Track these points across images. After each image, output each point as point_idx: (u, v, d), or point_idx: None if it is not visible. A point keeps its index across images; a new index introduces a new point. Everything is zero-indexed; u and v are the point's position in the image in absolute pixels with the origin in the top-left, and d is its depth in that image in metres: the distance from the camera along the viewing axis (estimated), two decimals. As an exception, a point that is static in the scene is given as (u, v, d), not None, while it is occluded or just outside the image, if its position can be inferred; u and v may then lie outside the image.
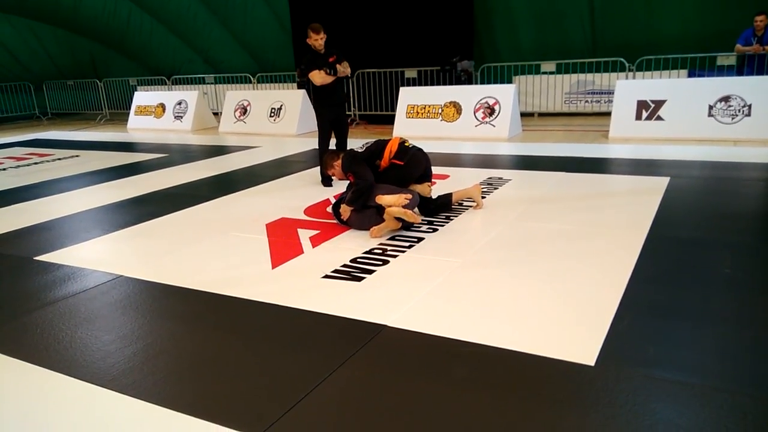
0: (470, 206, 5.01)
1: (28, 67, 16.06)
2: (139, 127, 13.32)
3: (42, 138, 12.26)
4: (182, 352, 2.79)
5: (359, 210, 4.47)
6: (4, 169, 8.52)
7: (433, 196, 4.86)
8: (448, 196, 4.86)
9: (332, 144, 6.41)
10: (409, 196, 4.35)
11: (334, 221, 4.73)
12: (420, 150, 4.81)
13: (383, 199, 4.31)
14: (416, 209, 4.47)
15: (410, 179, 4.70)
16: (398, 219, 4.29)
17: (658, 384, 2.30)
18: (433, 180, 5.01)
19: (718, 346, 2.58)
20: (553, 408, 2.19)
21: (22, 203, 6.17)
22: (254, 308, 3.23)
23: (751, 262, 3.53)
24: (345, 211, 4.52)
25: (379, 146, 4.75)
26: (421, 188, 4.72)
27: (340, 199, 4.74)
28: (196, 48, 15.74)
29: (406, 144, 4.77)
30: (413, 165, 4.71)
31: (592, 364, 2.46)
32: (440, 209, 4.82)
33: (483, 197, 5.17)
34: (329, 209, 5.03)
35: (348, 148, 6.27)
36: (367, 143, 4.82)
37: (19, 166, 8.78)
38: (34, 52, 15.94)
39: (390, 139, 4.81)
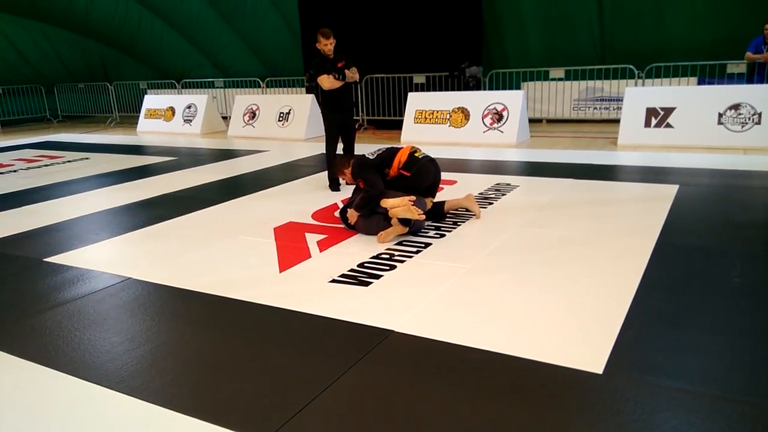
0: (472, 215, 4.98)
1: (39, 70, 16.20)
2: (148, 130, 13.40)
3: (52, 140, 12.36)
4: (190, 355, 2.80)
5: (367, 215, 4.47)
6: (15, 171, 8.59)
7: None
8: (440, 204, 4.84)
9: (339, 149, 6.42)
10: (413, 198, 4.36)
11: (342, 226, 4.74)
12: (431, 161, 4.75)
13: (387, 202, 4.34)
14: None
15: (417, 190, 4.62)
16: (404, 223, 4.29)
17: (667, 393, 2.29)
18: (440, 186, 5.00)
19: (727, 355, 2.56)
20: (560, 416, 2.18)
21: (33, 205, 6.22)
22: (261, 312, 3.24)
23: (761, 272, 3.50)
24: (352, 216, 4.52)
25: (389, 154, 4.71)
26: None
27: (348, 204, 4.74)
28: (206, 52, 15.84)
29: (416, 154, 4.71)
30: (420, 176, 4.66)
31: (600, 372, 2.45)
32: (432, 218, 4.78)
33: (490, 203, 5.15)
34: (337, 213, 5.03)
35: (356, 153, 6.28)
36: (379, 149, 4.79)
37: (29, 168, 8.85)
38: (46, 55, 16.08)
39: (401, 148, 4.77)
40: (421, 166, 4.67)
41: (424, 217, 4.38)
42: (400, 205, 4.27)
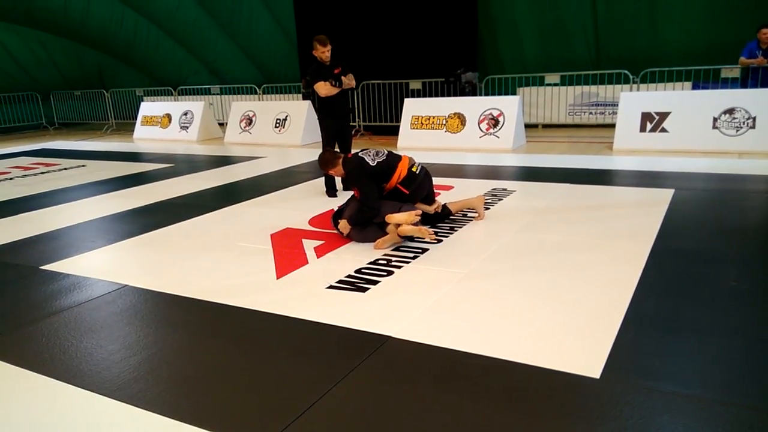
0: (474, 217, 5.01)
1: (35, 78, 16.20)
2: (145, 137, 13.40)
3: (49, 148, 12.35)
4: (186, 362, 2.79)
5: (361, 228, 4.45)
6: (11, 179, 8.57)
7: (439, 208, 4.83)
8: (446, 207, 4.86)
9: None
10: (419, 212, 4.34)
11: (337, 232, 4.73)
12: (426, 176, 4.71)
13: (394, 218, 4.25)
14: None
15: (412, 203, 4.63)
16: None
17: (664, 397, 2.29)
18: (435, 192, 5.00)
19: (723, 359, 2.57)
20: (558, 421, 2.18)
21: (29, 212, 6.20)
22: (258, 318, 3.23)
23: (757, 275, 3.51)
24: (345, 227, 4.48)
25: (390, 166, 4.57)
26: (424, 208, 4.68)
27: (340, 211, 4.70)
28: (202, 59, 15.86)
29: (413, 169, 4.64)
30: (417, 193, 4.64)
31: (597, 376, 2.45)
32: (442, 219, 4.82)
33: (487, 208, 5.17)
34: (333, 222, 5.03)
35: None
36: (378, 153, 4.66)
37: (26, 175, 8.83)
38: (42, 62, 16.08)
39: (400, 160, 4.65)
40: (419, 184, 4.63)
41: (435, 237, 4.30)
42: (407, 222, 4.21)
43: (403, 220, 4.23)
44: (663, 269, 3.65)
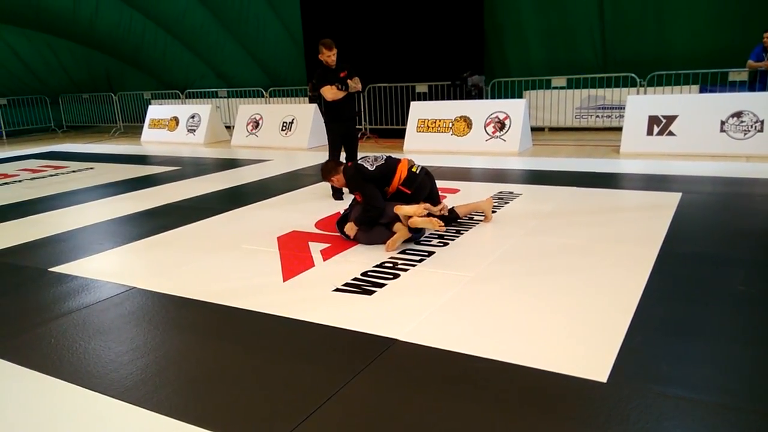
0: (480, 220, 5.01)
1: (44, 81, 16.31)
2: (152, 140, 13.47)
3: (57, 150, 12.42)
4: (193, 365, 2.80)
5: (367, 229, 4.46)
6: (20, 181, 8.64)
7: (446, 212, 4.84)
8: (452, 209, 4.87)
9: (342, 158, 6.43)
10: (428, 205, 4.37)
11: (344, 235, 4.74)
12: (426, 176, 4.74)
13: (403, 209, 4.28)
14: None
15: (415, 203, 4.65)
16: (410, 229, 4.28)
17: (671, 401, 2.28)
18: (442, 194, 5.00)
19: (731, 364, 2.55)
20: (565, 425, 2.18)
21: (38, 215, 6.24)
22: (265, 321, 3.25)
23: (765, 279, 3.49)
24: (351, 229, 4.50)
25: (389, 169, 4.62)
26: (430, 208, 4.68)
27: (344, 216, 4.72)
28: (209, 63, 15.93)
29: (413, 169, 4.68)
30: (419, 192, 4.65)
31: (605, 380, 2.45)
32: (448, 223, 4.82)
33: (494, 211, 5.17)
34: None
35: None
36: (376, 158, 4.72)
37: (34, 178, 8.89)
38: (51, 66, 16.19)
39: (399, 162, 4.70)
40: (420, 183, 4.65)
41: (444, 228, 4.35)
42: (416, 214, 4.24)
43: (413, 211, 4.26)
44: (670, 273, 3.64)
